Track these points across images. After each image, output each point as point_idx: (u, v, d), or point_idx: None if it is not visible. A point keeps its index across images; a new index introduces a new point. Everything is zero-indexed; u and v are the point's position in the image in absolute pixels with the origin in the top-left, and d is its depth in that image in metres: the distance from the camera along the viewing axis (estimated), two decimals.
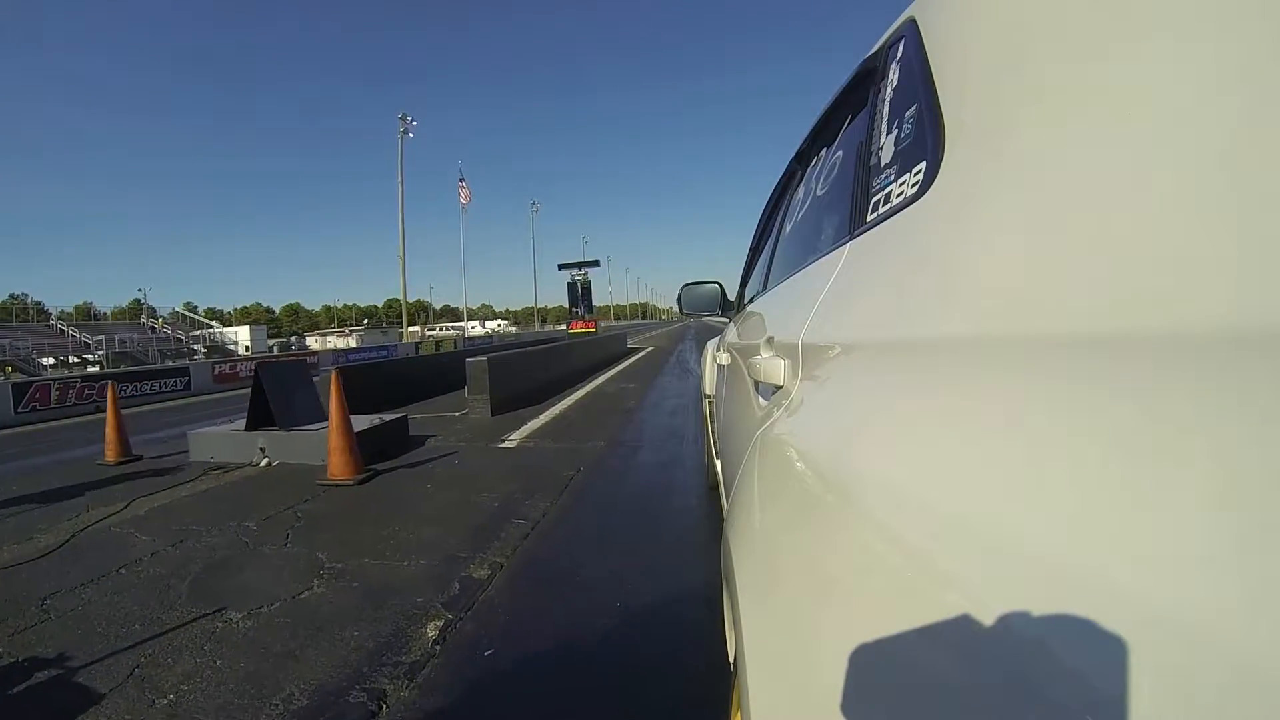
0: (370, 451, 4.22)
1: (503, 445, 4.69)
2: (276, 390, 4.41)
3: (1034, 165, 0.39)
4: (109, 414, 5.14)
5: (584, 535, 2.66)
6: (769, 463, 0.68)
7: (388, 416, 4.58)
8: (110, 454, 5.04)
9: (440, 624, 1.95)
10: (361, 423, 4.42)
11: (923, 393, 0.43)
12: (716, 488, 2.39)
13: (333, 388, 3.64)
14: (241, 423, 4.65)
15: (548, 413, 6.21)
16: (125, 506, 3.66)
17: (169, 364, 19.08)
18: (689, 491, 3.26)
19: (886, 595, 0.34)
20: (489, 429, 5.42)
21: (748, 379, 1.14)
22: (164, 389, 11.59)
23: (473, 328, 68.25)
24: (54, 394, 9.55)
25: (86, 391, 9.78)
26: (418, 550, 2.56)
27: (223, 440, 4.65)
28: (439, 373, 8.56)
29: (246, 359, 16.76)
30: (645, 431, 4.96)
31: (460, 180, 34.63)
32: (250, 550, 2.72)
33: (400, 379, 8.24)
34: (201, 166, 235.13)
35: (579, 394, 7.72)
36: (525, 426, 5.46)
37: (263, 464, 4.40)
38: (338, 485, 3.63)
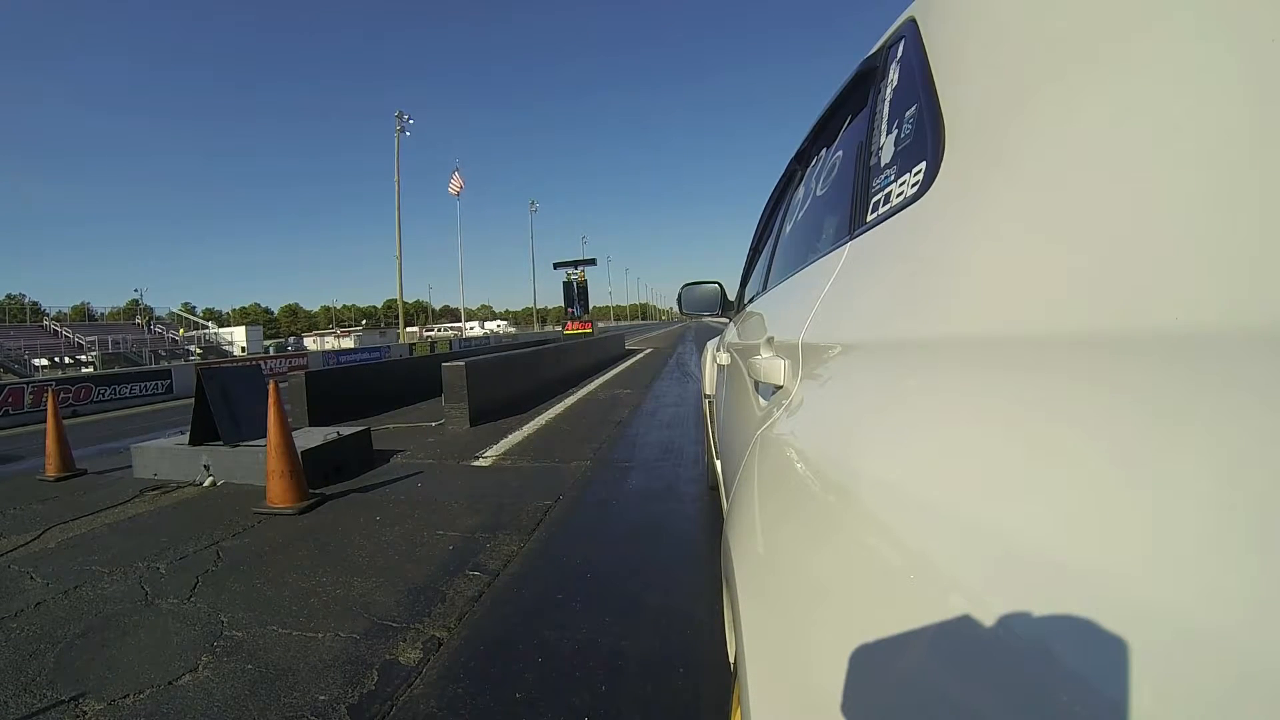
0: (323, 471, 3.74)
1: (475, 464, 4.19)
2: (221, 400, 3.92)
3: (1034, 165, 0.38)
4: (49, 424, 4.72)
5: (552, 594, 2.13)
6: (769, 463, 0.67)
7: (346, 430, 4.08)
8: (50, 468, 4.62)
9: None
10: (314, 437, 3.93)
11: (923, 393, 0.43)
12: (717, 487, 2.34)
13: (270, 400, 3.14)
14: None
15: (532, 423, 5.71)
16: (36, 537, 3.20)
17: (150, 366, 18.71)
18: (687, 528, 2.76)
19: (886, 596, 0.34)
20: (464, 443, 4.93)
21: (748, 379, 1.13)
22: (145, 392, 11.17)
23: (471, 328, 67.79)
24: (27, 398, 9.19)
25: (63, 395, 9.38)
26: (341, 613, 2.07)
27: (166, 455, 4.17)
28: (424, 376, 8.03)
29: (240, 360, 16.37)
30: (638, 448, 4.46)
31: (456, 172, 33.99)
32: (145, 605, 2.25)
33: (381, 383, 7.74)
34: (201, 167, 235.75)
35: (569, 401, 7.22)
36: (505, 440, 4.96)
37: (206, 484, 3.93)
38: (276, 514, 3.15)
